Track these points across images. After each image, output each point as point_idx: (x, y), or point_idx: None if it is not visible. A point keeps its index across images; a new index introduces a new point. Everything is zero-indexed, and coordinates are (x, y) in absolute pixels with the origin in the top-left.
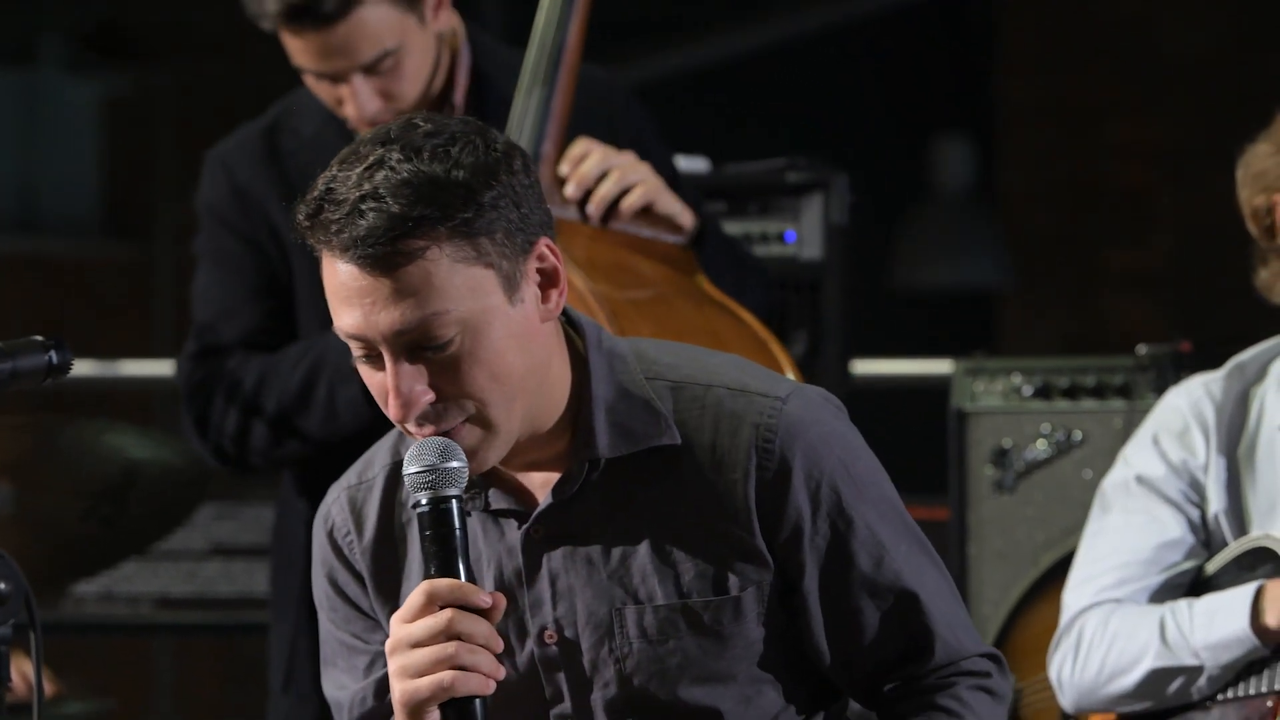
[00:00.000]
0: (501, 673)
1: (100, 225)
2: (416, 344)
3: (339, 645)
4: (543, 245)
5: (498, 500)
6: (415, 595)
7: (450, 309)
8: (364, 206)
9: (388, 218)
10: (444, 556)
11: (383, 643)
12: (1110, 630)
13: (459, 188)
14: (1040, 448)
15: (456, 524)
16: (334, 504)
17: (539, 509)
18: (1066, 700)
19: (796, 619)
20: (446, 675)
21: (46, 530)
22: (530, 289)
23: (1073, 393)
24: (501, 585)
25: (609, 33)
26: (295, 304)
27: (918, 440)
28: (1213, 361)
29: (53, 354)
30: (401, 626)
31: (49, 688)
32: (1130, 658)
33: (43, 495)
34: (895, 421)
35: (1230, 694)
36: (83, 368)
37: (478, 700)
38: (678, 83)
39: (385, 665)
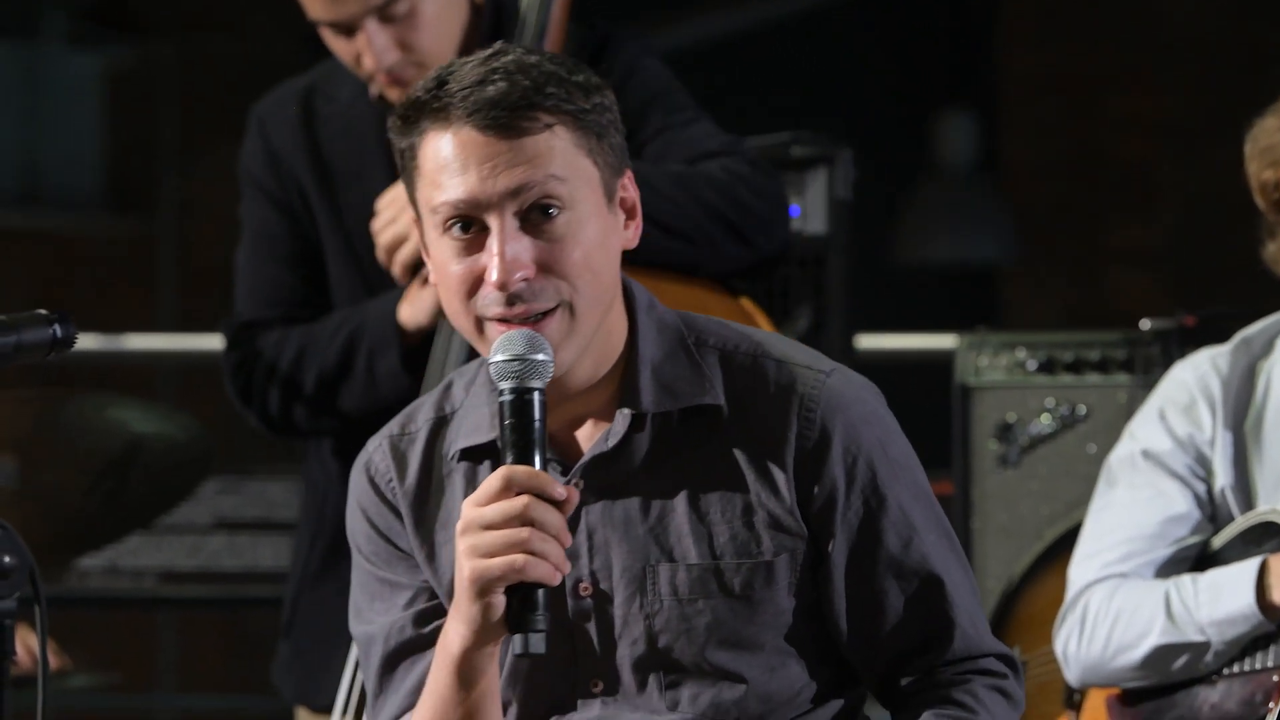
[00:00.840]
0: (568, 567)
1: (103, 199)
2: (529, 209)
3: (378, 585)
4: (627, 177)
5: None
6: (493, 479)
7: (567, 182)
8: (494, 78)
9: (520, 88)
10: (522, 445)
11: (425, 582)
12: (1115, 605)
13: (579, 86)
14: (1044, 422)
15: (537, 415)
16: (375, 450)
17: (581, 461)
18: (1072, 675)
19: (820, 591)
20: (519, 558)
21: (51, 504)
22: (618, 212)
23: (1077, 367)
24: None
25: (611, 9)
26: (327, 271)
27: (921, 415)
28: (1216, 336)
29: (56, 328)
30: (475, 509)
31: (54, 661)
32: (1136, 633)
33: (46, 469)
34: (899, 396)
35: (1235, 669)
36: (86, 341)
37: (540, 590)
38: (681, 57)
39: (427, 601)
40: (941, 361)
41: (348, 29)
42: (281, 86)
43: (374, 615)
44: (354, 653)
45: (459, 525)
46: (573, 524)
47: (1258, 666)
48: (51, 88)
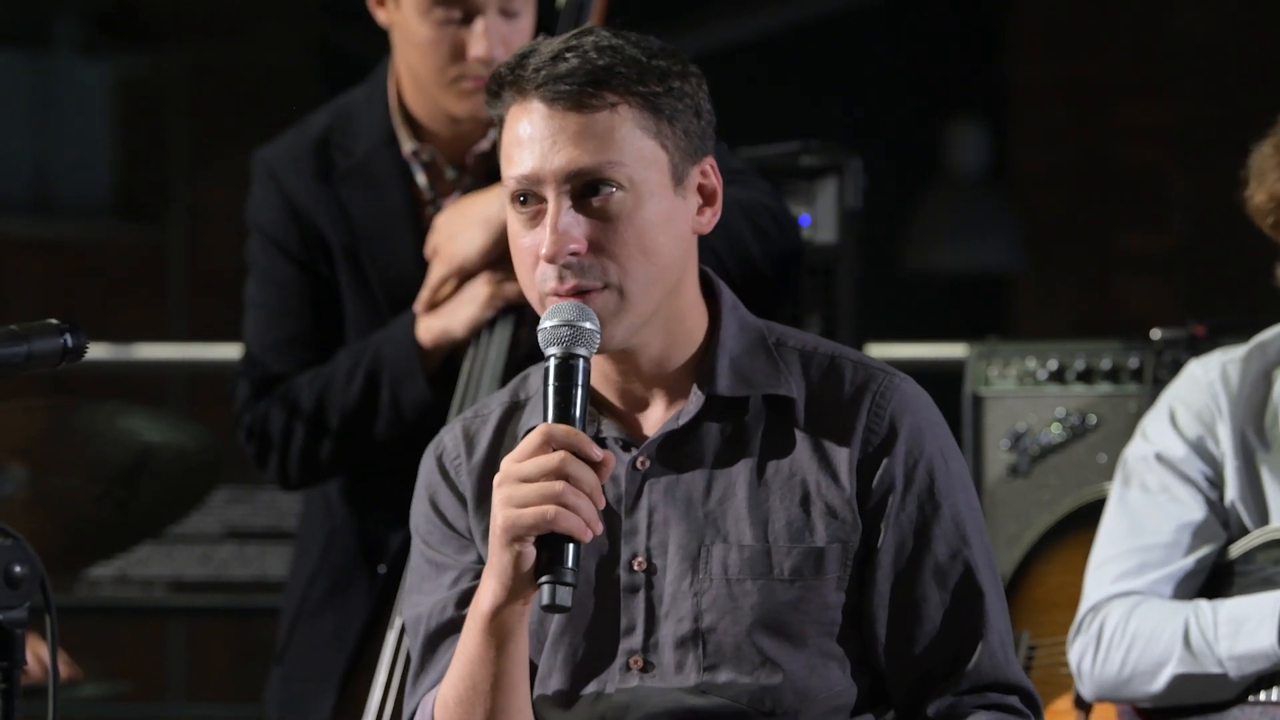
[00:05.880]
0: (599, 528)
1: (113, 208)
2: (584, 190)
3: (428, 568)
4: (707, 164)
5: (610, 431)
6: (531, 436)
7: (624, 164)
8: (567, 54)
9: (590, 65)
10: (564, 406)
11: (474, 562)
12: (1132, 629)
13: (655, 69)
14: (1054, 431)
15: (580, 380)
16: (448, 433)
17: (651, 438)
18: (1086, 691)
19: (864, 590)
20: (550, 509)
21: (61, 513)
22: (691, 196)
23: (1087, 376)
24: (602, 512)
25: (619, 17)
26: (345, 325)
27: None
28: (1227, 345)
29: (67, 337)
30: (513, 464)
31: (64, 670)
32: (1153, 660)
33: (57, 478)
34: None
35: (1251, 699)
36: (96, 351)
37: (571, 545)
38: None
39: (471, 581)
40: (952, 370)
41: (469, 14)
42: (288, 135)
43: (422, 597)
44: (377, 691)
45: (496, 478)
46: (635, 501)
47: (1274, 699)
48: (62, 97)
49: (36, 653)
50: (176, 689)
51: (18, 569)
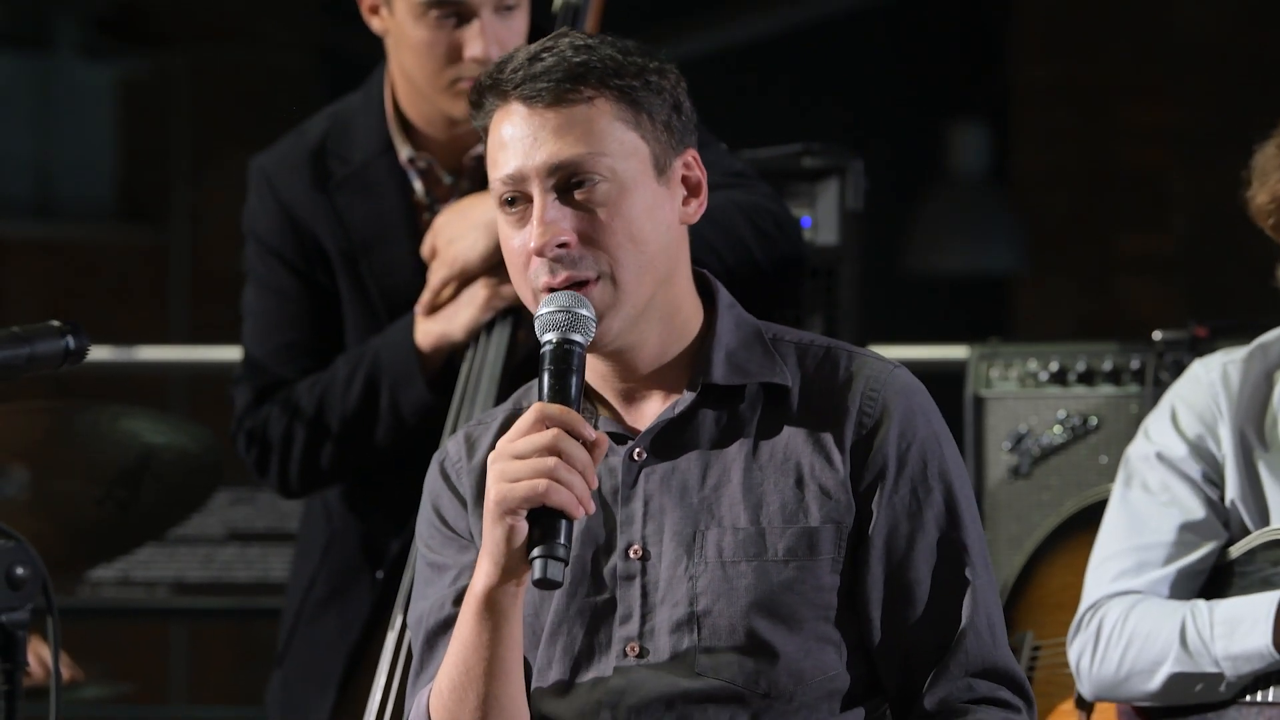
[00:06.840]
0: (592, 507)
1: (116, 209)
2: (567, 182)
3: (429, 571)
4: (690, 155)
5: (606, 425)
6: (526, 415)
7: (606, 154)
8: (543, 55)
9: (566, 63)
10: (559, 389)
11: (473, 561)
12: (1129, 628)
13: (631, 65)
14: (1056, 433)
15: (575, 366)
16: (451, 442)
17: (647, 428)
18: (1085, 690)
19: (858, 573)
20: (541, 483)
21: (63, 515)
22: (675, 187)
23: (1088, 378)
24: (599, 503)
25: (622, 19)
26: (344, 332)
27: None
28: (1228, 347)
29: (69, 339)
30: (507, 442)
31: (66, 672)
32: (1150, 660)
33: (59, 480)
34: None
35: (1248, 699)
36: (99, 352)
37: (563, 520)
38: (692, 67)
39: (470, 579)
40: (953, 372)
41: (464, 15)
42: (284, 143)
43: (423, 601)
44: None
45: (490, 456)
46: (631, 489)
47: (1271, 699)
48: (64, 98)
49: (39, 654)
50: (178, 691)
51: (20, 571)
